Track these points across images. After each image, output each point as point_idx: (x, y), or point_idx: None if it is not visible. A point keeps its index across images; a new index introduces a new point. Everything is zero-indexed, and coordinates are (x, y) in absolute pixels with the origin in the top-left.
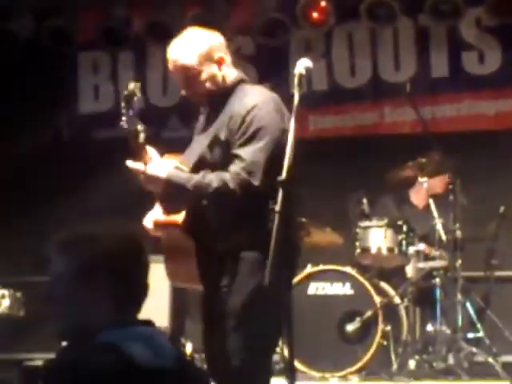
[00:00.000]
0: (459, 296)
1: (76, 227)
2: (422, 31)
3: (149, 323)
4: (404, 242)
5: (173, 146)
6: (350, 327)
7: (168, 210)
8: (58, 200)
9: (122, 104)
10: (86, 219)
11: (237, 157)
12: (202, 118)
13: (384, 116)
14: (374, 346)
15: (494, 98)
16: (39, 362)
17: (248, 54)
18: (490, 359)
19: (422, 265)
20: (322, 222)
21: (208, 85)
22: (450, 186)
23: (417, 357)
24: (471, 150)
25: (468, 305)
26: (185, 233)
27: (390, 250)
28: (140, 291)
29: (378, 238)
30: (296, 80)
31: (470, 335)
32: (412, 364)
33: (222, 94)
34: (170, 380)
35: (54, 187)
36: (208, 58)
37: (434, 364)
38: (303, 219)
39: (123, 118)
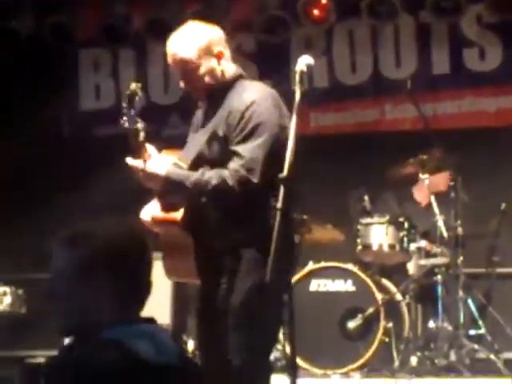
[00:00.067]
0: (461, 293)
1: (77, 224)
2: (423, 28)
3: (151, 321)
4: (405, 239)
5: (173, 143)
6: (352, 324)
7: (167, 208)
8: (59, 198)
9: (124, 104)
10: (87, 216)
11: (235, 154)
12: (199, 113)
13: (385, 113)
14: (376, 343)
15: (495, 95)
16: (41, 360)
17: (249, 51)
18: (492, 356)
19: (423, 262)
20: (323, 219)
21: (207, 79)
22: (452, 183)
23: (418, 353)
24: (472, 146)
25: (470, 301)
26: (183, 229)
27: (392, 246)
28: (143, 289)
29: (379, 234)
30: (297, 77)
31: (472, 332)
32: (414, 361)
33: (221, 89)
34: (174, 377)
35: (54, 185)
36: (207, 51)
37: (436, 361)
38: (304, 216)
39: (124, 118)
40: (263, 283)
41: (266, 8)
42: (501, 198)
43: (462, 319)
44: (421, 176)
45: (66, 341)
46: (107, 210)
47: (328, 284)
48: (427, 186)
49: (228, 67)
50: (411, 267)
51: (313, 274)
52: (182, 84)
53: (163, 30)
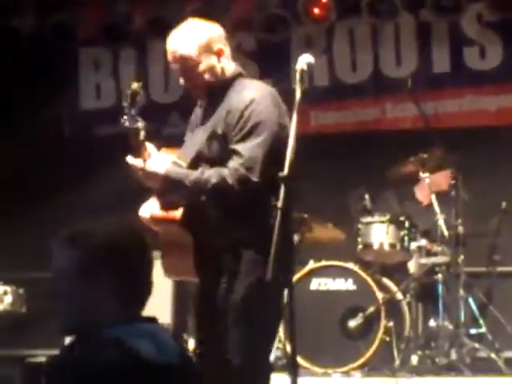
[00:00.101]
0: (461, 291)
1: (78, 224)
2: (424, 26)
3: (152, 320)
4: (406, 238)
5: (173, 141)
6: (353, 323)
7: (166, 207)
8: (59, 197)
9: (125, 103)
10: (88, 216)
11: (235, 152)
12: (198, 111)
13: (385, 111)
14: (377, 342)
15: (496, 94)
16: (42, 359)
17: (249, 50)
18: (493, 355)
19: (424, 260)
20: (323, 218)
21: (207, 76)
22: (452, 182)
23: (419, 352)
24: (472, 145)
25: (470, 300)
26: (183, 228)
27: (392, 245)
28: (144, 288)
29: (380, 233)
30: (297, 76)
31: (473, 331)
32: (414, 360)
33: (220, 87)
34: (175, 376)
35: (54, 184)
36: (207, 49)
37: (437, 360)
38: (305, 215)
39: (125, 117)
40: (263, 282)
41: (267, 6)
42: (501, 196)
43: (462, 318)
44: (421, 175)
45: (67, 340)
46: (108, 209)
47: (329, 283)
48: (429, 186)
49: (228, 65)
50: (412, 266)
51: (313, 273)
52: (181, 81)
53: (164, 28)
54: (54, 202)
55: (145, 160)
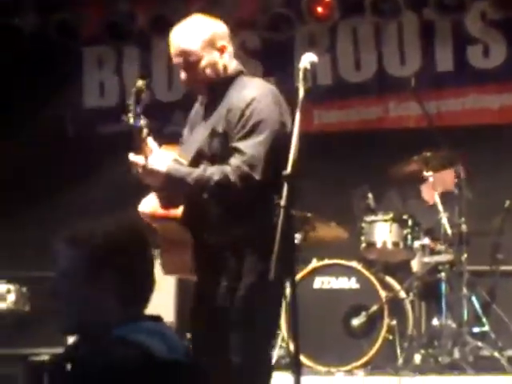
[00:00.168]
0: (465, 290)
1: (80, 223)
2: (427, 25)
3: (157, 319)
4: (409, 237)
5: (176, 140)
6: (356, 322)
7: (166, 205)
8: (62, 196)
9: (130, 101)
10: (90, 215)
11: (237, 150)
12: (198, 108)
13: (389, 110)
14: (380, 341)
15: (499, 92)
16: (44, 357)
17: (253, 49)
18: (496, 353)
19: (427, 259)
20: (326, 217)
21: (208, 72)
22: (456, 180)
23: (422, 351)
24: (476, 144)
25: (473, 299)
26: (182, 225)
27: (396, 244)
28: (146, 286)
29: (383, 232)
30: (301, 74)
31: (476, 329)
32: (417, 358)
33: (221, 84)
34: (184, 373)
35: (55, 184)
36: (210, 44)
37: (440, 358)
38: (308, 214)
39: (129, 114)
40: (264, 281)
41: (270, 6)
42: (505, 195)
43: (465, 317)
44: (425, 174)
45: (70, 339)
46: (111, 207)
47: (332, 281)
48: (435, 185)
49: (230, 62)
50: (415, 265)
51: (317, 272)
52: (182, 76)
53: (167, 26)
54: (55, 202)
55: (146, 157)
